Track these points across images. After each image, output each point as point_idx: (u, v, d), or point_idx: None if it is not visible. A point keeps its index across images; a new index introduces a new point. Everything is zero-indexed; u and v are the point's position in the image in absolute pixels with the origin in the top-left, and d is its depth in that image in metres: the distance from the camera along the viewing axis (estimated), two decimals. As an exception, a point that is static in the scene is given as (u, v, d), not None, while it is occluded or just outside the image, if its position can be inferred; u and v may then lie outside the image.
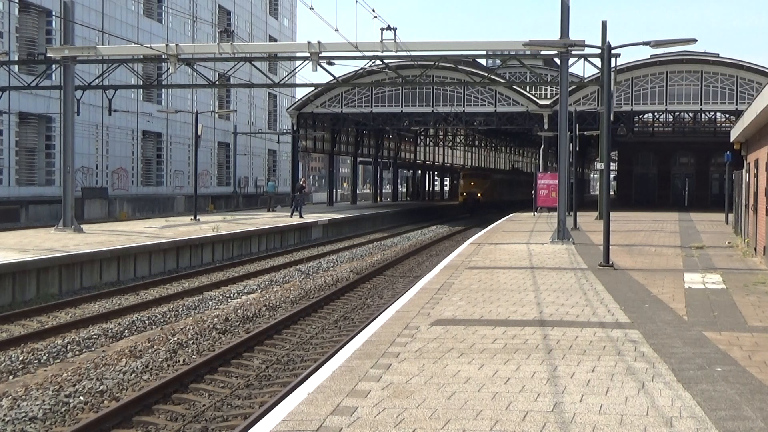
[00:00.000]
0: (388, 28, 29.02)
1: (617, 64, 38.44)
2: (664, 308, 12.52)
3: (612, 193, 65.29)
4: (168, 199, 56.25)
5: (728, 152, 35.24)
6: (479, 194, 65.85)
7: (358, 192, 72.22)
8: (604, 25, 36.43)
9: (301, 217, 39.35)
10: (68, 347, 13.80)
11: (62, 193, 29.73)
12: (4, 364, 12.59)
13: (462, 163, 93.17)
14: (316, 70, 30.63)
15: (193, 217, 37.97)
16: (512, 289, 14.60)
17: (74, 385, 11.26)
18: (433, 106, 52.64)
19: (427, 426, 6.68)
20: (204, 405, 10.62)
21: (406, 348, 9.61)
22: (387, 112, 54.41)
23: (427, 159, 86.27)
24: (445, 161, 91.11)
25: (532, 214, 43.02)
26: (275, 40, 73.77)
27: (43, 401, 10.46)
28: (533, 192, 42.45)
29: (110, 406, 10.32)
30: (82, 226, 30.18)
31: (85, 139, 46.55)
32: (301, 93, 64.92)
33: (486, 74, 44.00)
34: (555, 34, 25.92)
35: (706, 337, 10.24)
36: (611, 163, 45.62)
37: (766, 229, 18.64)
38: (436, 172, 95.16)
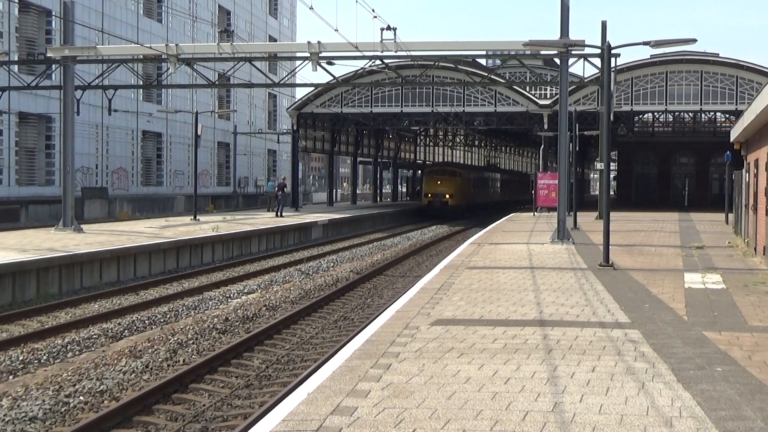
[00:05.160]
0: (388, 28, 29.02)
1: (617, 64, 38.46)
2: (664, 308, 12.52)
3: (612, 193, 65.25)
4: (168, 199, 56.23)
5: (728, 152, 35.24)
6: (447, 196, 56.44)
7: (358, 192, 72.15)
8: (604, 25, 36.46)
9: (281, 216, 39.36)
10: (68, 347, 13.80)
11: (62, 193, 29.74)
12: (4, 364, 12.59)
13: (463, 163, 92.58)
14: (316, 70, 30.66)
15: (193, 217, 37.98)
16: (512, 289, 14.59)
17: (74, 385, 11.26)
18: (433, 106, 52.61)
19: (427, 426, 6.68)
20: (204, 405, 10.62)
21: (406, 348, 9.60)
22: (387, 112, 54.38)
23: (427, 159, 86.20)
24: (445, 161, 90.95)
25: (532, 214, 43.04)
26: (275, 40, 73.75)
27: (43, 401, 10.46)
28: (533, 192, 42.36)
29: (110, 406, 10.32)
30: (82, 226, 30.19)
31: (85, 139, 46.53)
32: (301, 93, 64.92)
33: (486, 74, 43.99)
34: (555, 34, 25.94)
35: (706, 337, 10.23)
36: (611, 163, 45.66)
37: (766, 229, 18.64)
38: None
